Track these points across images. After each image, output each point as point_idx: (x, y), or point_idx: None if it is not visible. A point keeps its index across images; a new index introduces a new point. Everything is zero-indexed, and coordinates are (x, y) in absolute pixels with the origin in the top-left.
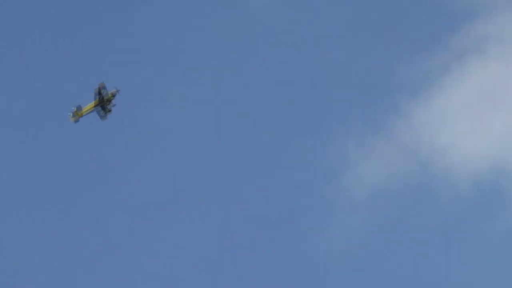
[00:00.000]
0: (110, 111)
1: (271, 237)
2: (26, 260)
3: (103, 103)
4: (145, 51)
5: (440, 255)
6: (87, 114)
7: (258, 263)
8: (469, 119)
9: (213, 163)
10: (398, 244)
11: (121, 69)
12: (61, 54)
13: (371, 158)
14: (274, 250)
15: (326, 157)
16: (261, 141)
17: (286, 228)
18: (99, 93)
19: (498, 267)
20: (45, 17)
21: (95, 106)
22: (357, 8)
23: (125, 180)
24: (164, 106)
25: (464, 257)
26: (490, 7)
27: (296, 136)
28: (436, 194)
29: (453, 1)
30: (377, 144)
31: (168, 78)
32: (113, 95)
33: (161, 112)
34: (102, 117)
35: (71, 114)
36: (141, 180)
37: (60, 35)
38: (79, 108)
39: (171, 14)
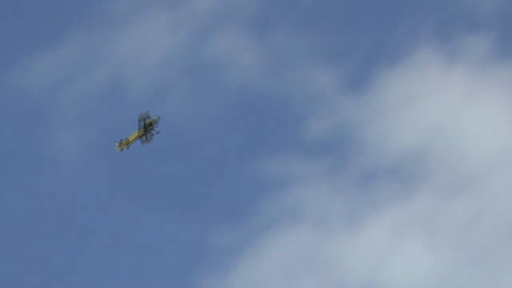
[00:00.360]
0: (157, 133)
1: None
2: None
3: (146, 131)
4: None
5: None
6: (133, 143)
7: None
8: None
9: None
10: None
11: None
12: None
13: None
14: None
15: None
16: None
17: None
18: (144, 124)
19: None
20: None
21: (139, 136)
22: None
23: None
24: None
25: None
26: (302, 176)
27: None
28: None
29: (261, 170)
30: None
31: None
32: (155, 122)
33: None
34: (148, 141)
35: (117, 145)
36: None
37: None
38: (122, 140)
39: None
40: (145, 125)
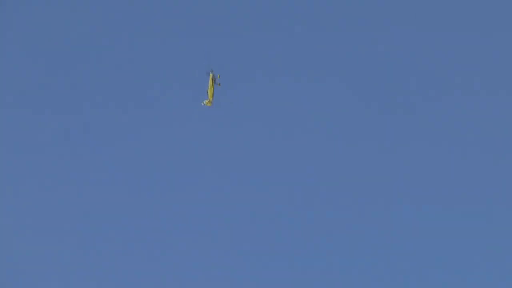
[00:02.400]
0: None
1: None
2: None
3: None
4: None
5: None
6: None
7: None
8: None
9: None
10: None
11: None
12: None
13: None
14: None
15: None
16: None
17: None
18: (212, 78)
19: None
20: None
21: (213, 88)
22: None
23: None
24: None
25: None
26: None
27: None
28: None
29: None
30: None
31: None
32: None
33: None
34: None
35: (207, 102)
36: None
37: None
38: (208, 98)
39: None
40: (213, 79)
